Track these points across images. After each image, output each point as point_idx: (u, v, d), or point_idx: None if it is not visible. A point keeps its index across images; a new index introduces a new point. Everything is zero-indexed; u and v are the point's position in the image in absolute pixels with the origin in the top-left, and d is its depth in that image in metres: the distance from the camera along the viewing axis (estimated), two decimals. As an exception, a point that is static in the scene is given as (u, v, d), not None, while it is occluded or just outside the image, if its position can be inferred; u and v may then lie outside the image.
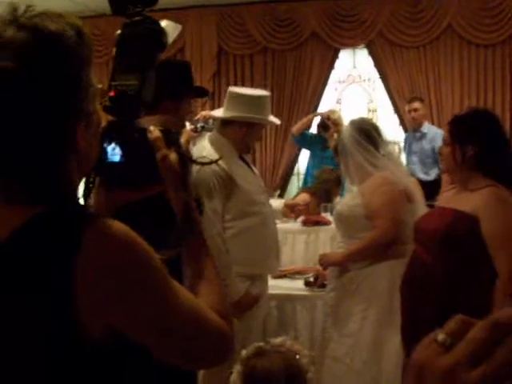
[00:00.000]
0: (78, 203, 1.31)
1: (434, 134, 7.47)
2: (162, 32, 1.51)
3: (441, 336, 0.65)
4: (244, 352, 2.28)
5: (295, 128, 7.81)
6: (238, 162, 3.81)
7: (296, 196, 6.51)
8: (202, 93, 3.78)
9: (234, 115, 3.75)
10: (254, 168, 4.06)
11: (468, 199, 2.98)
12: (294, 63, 9.13)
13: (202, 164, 2.39)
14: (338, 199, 6.40)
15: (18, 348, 1.19)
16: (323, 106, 9.01)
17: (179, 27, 2.82)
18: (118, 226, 1.21)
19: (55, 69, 1.23)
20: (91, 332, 1.18)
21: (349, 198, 3.96)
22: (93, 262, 1.16)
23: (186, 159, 1.50)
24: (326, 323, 4.01)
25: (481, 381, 0.60)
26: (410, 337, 3.05)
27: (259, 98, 3.86)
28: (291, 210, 5.07)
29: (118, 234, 1.20)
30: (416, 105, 7.59)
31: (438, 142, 7.23)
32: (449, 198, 3.29)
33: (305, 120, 7.94)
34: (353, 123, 3.93)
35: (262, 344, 2.31)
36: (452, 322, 0.65)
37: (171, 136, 1.50)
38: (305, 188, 6.82)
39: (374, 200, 3.69)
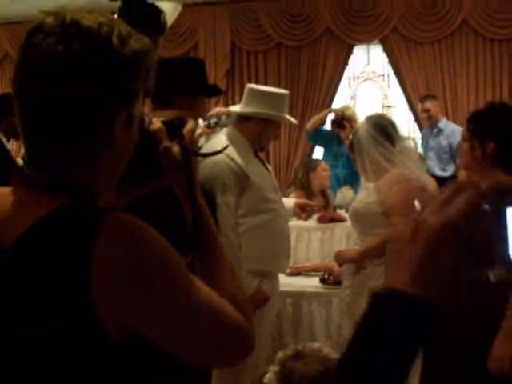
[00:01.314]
0: (97, 199, 1.28)
1: (451, 130, 7.42)
2: (159, 14, 1.45)
3: None
4: (281, 353, 2.27)
5: (309, 124, 7.77)
6: (252, 158, 3.81)
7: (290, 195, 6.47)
8: (215, 92, 3.77)
9: (252, 111, 3.75)
10: (268, 166, 4.05)
11: None
12: (308, 59, 9.10)
13: (205, 155, 2.35)
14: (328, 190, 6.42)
15: (33, 343, 1.17)
16: (337, 103, 8.98)
17: (179, 7, 2.79)
18: (135, 219, 1.19)
19: (102, 58, 1.22)
20: (107, 330, 1.16)
21: (364, 195, 3.91)
22: (109, 255, 1.14)
23: (189, 152, 1.44)
24: (342, 320, 3.97)
25: (441, 227, 0.73)
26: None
27: (278, 95, 3.87)
28: (302, 210, 5.04)
29: (134, 228, 1.18)
30: (428, 105, 7.56)
31: (457, 138, 7.21)
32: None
33: (319, 116, 7.89)
34: (369, 119, 3.89)
35: (299, 347, 2.30)
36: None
37: (174, 127, 1.44)
38: (293, 188, 6.82)
39: (391, 197, 3.64)
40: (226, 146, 2.31)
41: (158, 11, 1.38)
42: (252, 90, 3.88)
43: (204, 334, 1.24)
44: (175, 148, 1.41)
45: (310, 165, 6.36)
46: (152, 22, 1.40)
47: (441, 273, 0.75)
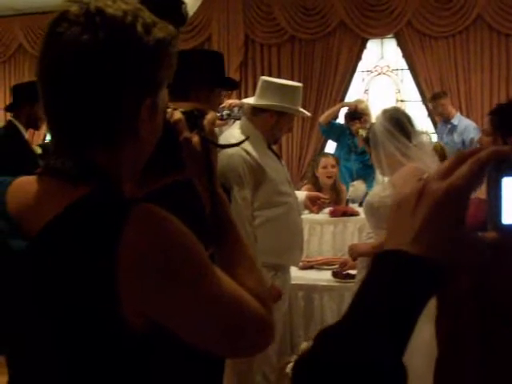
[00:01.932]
0: (120, 189, 1.28)
1: (465, 126, 7.39)
2: (180, 4, 1.45)
3: None
4: (305, 344, 2.27)
5: (323, 118, 7.75)
6: (266, 151, 3.81)
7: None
8: (232, 85, 3.77)
9: (266, 103, 3.74)
10: (281, 159, 4.05)
11: None
12: (322, 53, 9.07)
13: (224, 147, 2.33)
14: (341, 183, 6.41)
15: (56, 331, 1.19)
16: (350, 97, 8.95)
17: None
18: (161, 210, 1.19)
19: (127, 46, 1.23)
20: (129, 320, 1.16)
21: (379, 189, 3.89)
22: (136, 245, 1.14)
23: (209, 143, 1.44)
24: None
25: (446, 190, 0.74)
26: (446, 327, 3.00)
27: (292, 88, 3.86)
28: (313, 203, 5.03)
29: (161, 218, 1.19)
30: (436, 103, 7.53)
31: (470, 135, 7.19)
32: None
33: (332, 110, 7.88)
34: (385, 112, 3.85)
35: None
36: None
37: (194, 118, 1.44)
38: (306, 181, 6.81)
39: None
40: (247, 138, 2.29)
41: (179, 1, 1.38)
42: (266, 83, 3.87)
43: (226, 324, 1.25)
44: (195, 139, 1.41)
45: (315, 161, 6.37)
46: (173, 12, 1.38)
47: (445, 233, 0.75)
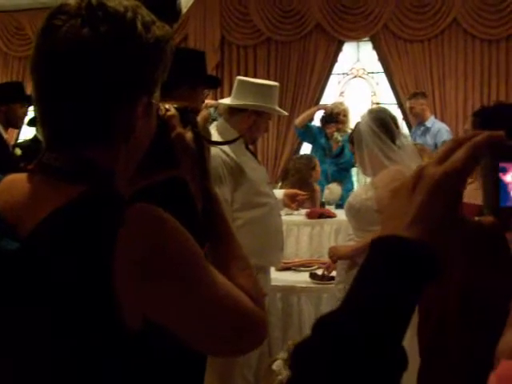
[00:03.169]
0: (115, 187, 1.27)
1: (438, 129, 7.43)
2: (174, 0, 1.44)
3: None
4: (290, 341, 2.28)
5: (298, 120, 7.76)
6: (245, 152, 3.80)
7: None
8: (214, 83, 3.75)
9: (243, 103, 3.73)
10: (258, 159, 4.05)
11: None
12: (298, 55, 9.08)
13: (218, 144, 2.31)
14: (316, 185, 6.43)
15: (52, 331, 1.17)
16: (326, 99, 8.98)
17: None
18: (157, 209, 1.18)
19: (127, 42, 1.21)
20: (126, 320, 1.15)
21: (361, 191, 3.90)
22: (132, 244, 1.13)
23: (202, 139, 1.43)
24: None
25: (443, 173, 0.75)
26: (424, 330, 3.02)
27: (269, 87, 3.86)
28: (292, 201, 5.03)
29: (157, 217, 1.18)
30: (413, 102, 7.58)
31: (443, 137, 7.24)
32: (469, 192, 3.25)
33: (308, 113, 7.91)
34: (371, 112, 3.86)
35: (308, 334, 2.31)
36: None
37: (187, 114, 1.43)
38: (284, 183, 6.82)
39: (387, 194, 3.59)
40: (239, 137, 2.27)
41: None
42: (242, 82, 3.85)
43: (222, 323, 1.25)
44: (188, 135, 1.40)
45: (310, 164, 6.37)
46: (167, 8, 1.38)
47: (441, 217, 0.76)
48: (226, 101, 3.97)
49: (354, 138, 3.87)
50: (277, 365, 2.24)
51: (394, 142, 3.74)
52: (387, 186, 3.60)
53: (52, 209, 1.16)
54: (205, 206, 1.42)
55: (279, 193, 4.74)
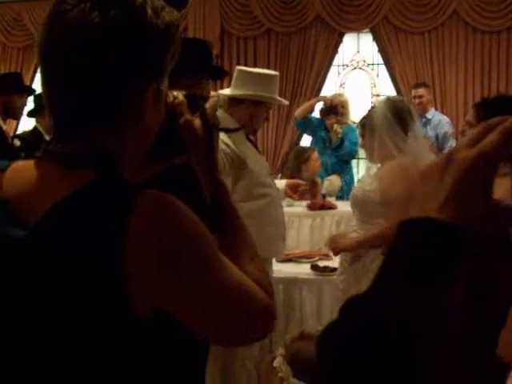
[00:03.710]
0: (124, 174, 1.25)
1: (439, 120, 7.41)
2: None
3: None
4: (288, 337, 2.28)
5: (298, 112, 7.73)
6: (245, 142, 3.78)
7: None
8: (220, 73, 3.72)
9: (242, 93, 3.71)
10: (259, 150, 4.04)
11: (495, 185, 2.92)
12: (298, 46, 9.06)
13: (227, 131, 2.31)
14: (317, 177, 6.41)
15: (62, 319, 1.15)
16: (326, 91, 8.96)
17: None
18: (169, 196, 1.17)
19: (137, 27, 1.20)
20: (137, 308, 1.14)
21: (365, 182, 3.86)
22: (144, 232, 1.12)
23: (211, 126, 1.41)
24: (336, 307, 3.96)
25: (477, 155, 0.73)
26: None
27: (268, 76, 3.84)
28: (294, 191, 5.02)
29: (169, 205, 1.16)
30: (421, 91, 7.51)
31: (443, 129, 7.23)
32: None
33: (308, 104, 7.88)
34: (387, 101, 3.79)
35: (305, 329, 2.32)
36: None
37: (196, 101, 1.41)
38: (283, 175, 6.82)
39: (392, 187, 3.53)
40: (241, 127, 2.24)
41: None
42: (242, 72, 3.84)
43: (234, 312, 1.24)
44: (197, 122, 1.39)
45: (302, 156, 6.33)
46: None
47: (473, 200, 0.75)
48: (226, 91, 3.95)
49: (366, 123, 3.81)
50: (277, 362, 2.25)
51: (406, 133, 3.68)
52: (392, 178, 3.57)
53: (61, 196, 1.15)
54: (213, 195, 1.41)
55: (281, 183, 4.73)
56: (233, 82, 3.86)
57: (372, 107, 3.90)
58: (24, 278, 1.17)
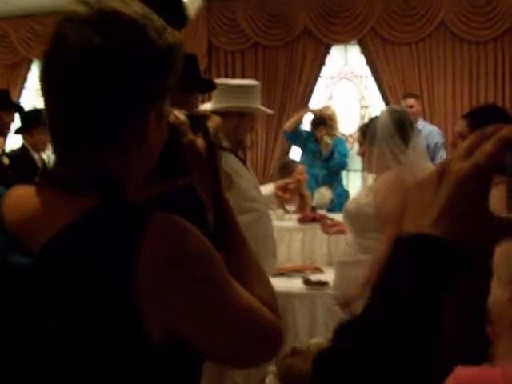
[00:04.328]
0: (127, 196, 1.23)
1: (429, 131, 7.43)
2: (182, 6, 1.41)
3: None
4: (279, 353, 2.25)
5: (288, 125, 7.74)
6: (232, 157, 3.75)
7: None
8: (209, 86, 3.70)
9: (224, 106, 3.68)
10: (246, 164, 4.01)
11: None
12: (286, 59, 9.07)
13: (226, 150, 2.30)
14: (305, 190, 6.37)
15: (73, 345, 1.12)
16: (314, 103, 8.96)
17: (200, 2, 2.70)
18: (180, 219, 1.15)
19: (140, 49, 1.18)
20: (149, 333, 1.11)
21: (360, 195, 3.81)
22: (156, 254, 1.09)
23: (214, 146, 1.40)
24: (329, 320, 3.93)
25: (471, 167, 0.71)
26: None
27: (248, 87, 3.82)
28: (283, 191, 5.00)
29: (180, 228, 1.14)
30: (411, 101, 7.53)
31: (434, 139, 7.25)
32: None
33: (297, 116, 7.87)
34: (391, 112, 3.77)
35: (296, 344, 2.29)
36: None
37: (198, 121, 1.41)
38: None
39: (386, 201, 3.50)
40: (243, 143, 2.20)
41: (181, 3, 1.34)
42: (222, 86, 3.80)
43: (243, 333, 1.23)
44: (199, 141, 1.38)
45: (286, 169, 6.30)
46: (175, 14, 1.35)
47: (468, 213, 0.73)
48: (208, 106, 3.92)
49: (367, 131, 3.77)
50: (269, 379, 2.22)
51: (406, 144, 3.65)
52: (386, 191, 3.52)
53: (64, 222, 1.12)
54: (216, 214, 1.39)
55: (268, 188, 4.68)
56: (214, 95, 3.83)
57: (374, 117, 3.87)
58: (30, 305, 1.14)
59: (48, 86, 1.21)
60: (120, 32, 1.16)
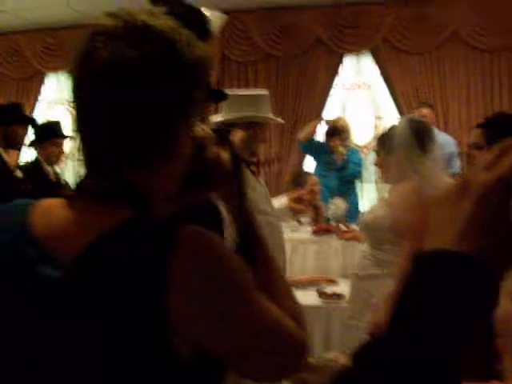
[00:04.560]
0: (158, 211, 1.22)
1: (444, 140, 7.36)
2: (206, 21, 1.41)
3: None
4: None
5: (302, 135, 7.71)
6: (243, 169, 3.70)
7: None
8: (220, 96, 3.68)
9: (234, 116, 3.66)
10: (259, 178, 3.98)
11: None
12: (298, 70, 9.06)
13: (250, 164, 2.28)
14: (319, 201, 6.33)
15: (101, 356, 1.11)
16: (328, 113, 8.94)
17: (224, 17, 2.71)
18: (210, 232, 1.15)
19: (172, 63, 1.18)
20: (179, 349, 1.11)
21: (376, 207, 3.78)
22: (188, 268, 1.09)
23: (239, 160, 1.40)
24: (345, 332, 3.89)
25: (495, 179, 0.70)
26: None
27: (258, 96, 3.79)
28: (297, 203, 4.97)
29: (210, 240, 1.14)
30: (424, 111, 7.46)
31: (450, 149, 7.18)
32: None
33: (310, 126, 7.84)
34: (410, 121, 3.73)
35: (312, 359, 2.26)
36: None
37: (223, 134, 1.41)
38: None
39: (404, 215, 3.44)
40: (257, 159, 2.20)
41: (205, 18, 1.35)
42: (231, 96, 3.77)
43: (271, 348, 1.21)
44: (224, 155, 1.37)
45: (298, 180, 6.27)
46: (199, 29, 1.35)
47: (492, 227, 0.70)
48: (218, 118, 3.90)
49: (385, 140, 3.74)
50: None
51: (425, 154, 3.60)
52: (404, 205, 3.47)
53: (96, 234, 1.12)
54: (244, 228, 1.39)
55: (282, 201, 4.64)
56: (224, 106, 3.81)
57: (393, 126, 3.84)
58: (60, 318, 1.14)
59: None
60: (151, 46, 1.16)
